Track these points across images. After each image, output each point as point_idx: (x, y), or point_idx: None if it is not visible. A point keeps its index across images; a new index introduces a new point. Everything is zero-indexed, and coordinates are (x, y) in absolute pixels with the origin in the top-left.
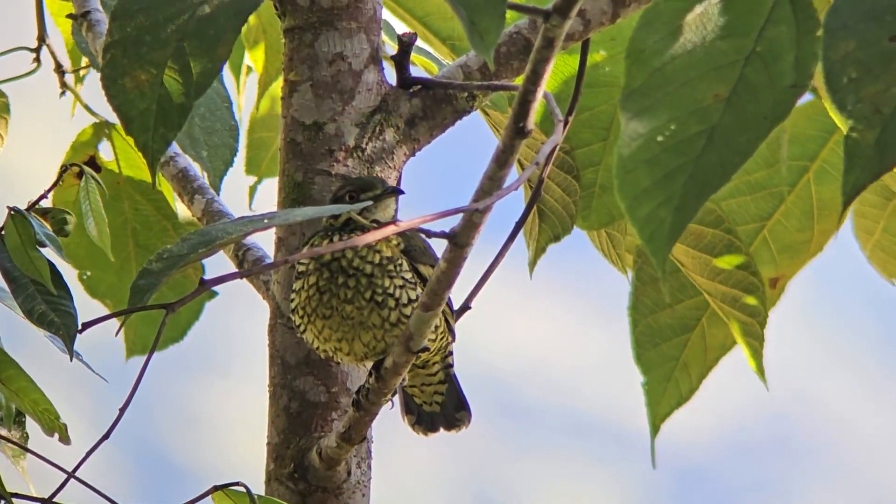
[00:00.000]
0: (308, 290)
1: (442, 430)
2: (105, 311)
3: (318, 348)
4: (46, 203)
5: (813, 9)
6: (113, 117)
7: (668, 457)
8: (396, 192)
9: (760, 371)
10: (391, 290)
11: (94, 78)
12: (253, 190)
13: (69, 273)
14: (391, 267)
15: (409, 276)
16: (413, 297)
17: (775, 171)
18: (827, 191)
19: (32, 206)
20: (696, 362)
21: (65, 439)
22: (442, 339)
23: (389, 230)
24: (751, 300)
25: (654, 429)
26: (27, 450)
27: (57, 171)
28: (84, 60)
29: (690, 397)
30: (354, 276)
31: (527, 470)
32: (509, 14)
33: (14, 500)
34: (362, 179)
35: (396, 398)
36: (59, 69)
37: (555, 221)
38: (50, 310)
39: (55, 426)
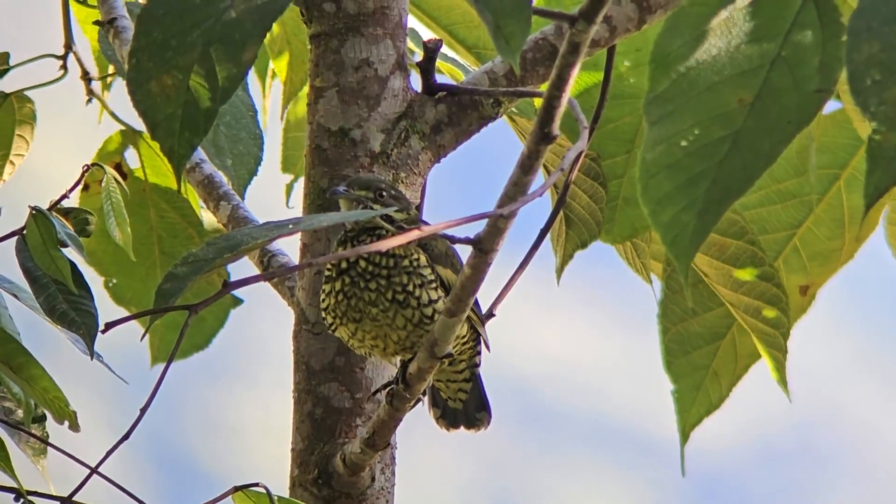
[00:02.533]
0: (336, 295)
1: (462, 427)
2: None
3: (352, 345)
4: (69, 204)
5: (838, 13)
6: (139, 125)
7: (692, 463)
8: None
9: (783, 383)
10: (410, 288)
11: (120, 85)
12: (289, 188)
13: (96, 281)
14: (406, 262)
15: (427, 272)
16: (434, 297)
17: (805, 180)
18: (857, 199)
19: (54, 206)
20: (727, 370)
21: (74, 427)
22: (468, 346)
23: (413, 235)
24: (773, 312)
25: (684, 437)
26: (50, 444)
27: (81, 176)
28: (111, 68)
29: (720, 405)
30: (374, 279)
31: (550, 476)
32: (535, 20)
33: (33, 498)
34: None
35: (426, 397)
36: (86, 76)
37: (581, 228)
38: (71, 309)
39: (65, 413)
